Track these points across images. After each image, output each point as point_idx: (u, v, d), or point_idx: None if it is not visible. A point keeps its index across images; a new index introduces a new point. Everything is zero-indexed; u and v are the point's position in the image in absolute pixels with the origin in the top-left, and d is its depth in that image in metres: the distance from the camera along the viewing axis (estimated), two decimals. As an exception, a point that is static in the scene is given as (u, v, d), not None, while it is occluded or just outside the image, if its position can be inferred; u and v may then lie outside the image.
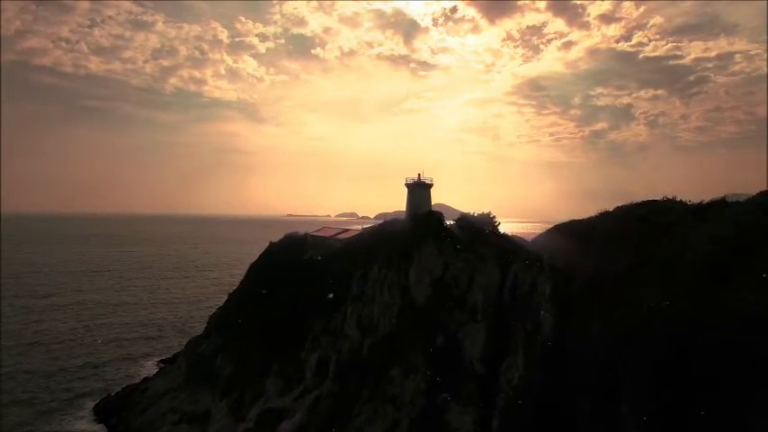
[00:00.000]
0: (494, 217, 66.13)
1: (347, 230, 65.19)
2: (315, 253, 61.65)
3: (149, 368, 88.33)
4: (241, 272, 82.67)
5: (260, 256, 71.83)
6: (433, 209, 54.32)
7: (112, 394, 72.74)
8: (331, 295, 52.07)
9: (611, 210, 43.25)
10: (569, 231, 43.04)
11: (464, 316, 44.98)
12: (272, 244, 72.18)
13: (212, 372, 62.52)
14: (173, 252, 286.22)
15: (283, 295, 60.11)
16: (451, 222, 64.85)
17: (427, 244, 47.62)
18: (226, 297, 79.02)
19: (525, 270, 44.14)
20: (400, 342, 44.67)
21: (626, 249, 33.63)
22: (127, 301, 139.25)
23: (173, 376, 70.01)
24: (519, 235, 60.91)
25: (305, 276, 58.85)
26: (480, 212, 67.60)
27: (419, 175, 53.94)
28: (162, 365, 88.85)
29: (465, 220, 63.95)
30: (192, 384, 64.86)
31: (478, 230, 59.08)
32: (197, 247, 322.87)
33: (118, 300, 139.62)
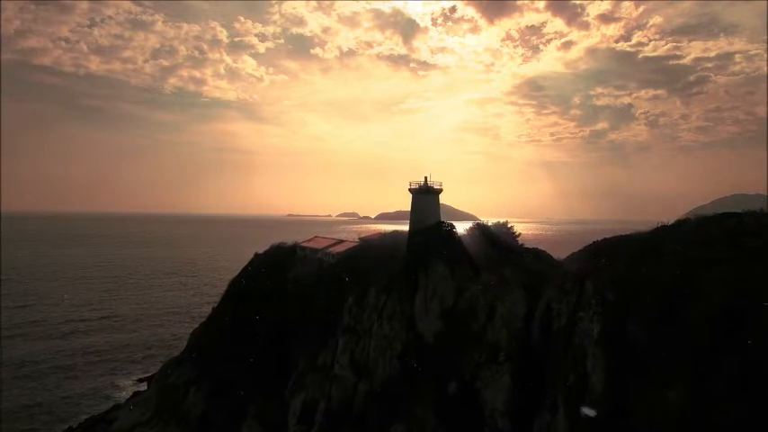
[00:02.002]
0: (512, 227, 57.05)
1: (341, 242, 56.25)
2: (303, 269, 52.68)
3: (128, 388, 79.91)
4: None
5: (242, 270, 62.84)
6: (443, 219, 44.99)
7: (74, 426, 64.21)
8: None
9: (669, 223, 34.12)
10: (615, 251, 33.86)
11: (483, 356, 35.91)
12: (256, 255, 63.19)
13: (183, 407, 53.62)
14: (169, 254, 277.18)
15: (265, 320, 51.13)
16: (462, 231, 55.83)
17: (436, 264, 38.53)
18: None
19: (561, 299, 35.05)
20: (404, 389, 35.65)
21: (714, 285, 24.55)
22: (113, 312, 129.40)
23: (141, 408, 61.15)
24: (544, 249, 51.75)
25: (290, 298, 49.85)
26: (496, 221, 58.56)
27: (426, 178, 44.88)
28: (139, 385, 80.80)
29: (479, 231, 54.85)
30: (161, 420, 55.99)
31: (496, 244, 50.03)
32: (195, 249, 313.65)
33: (104, 310, 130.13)
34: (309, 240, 61.85)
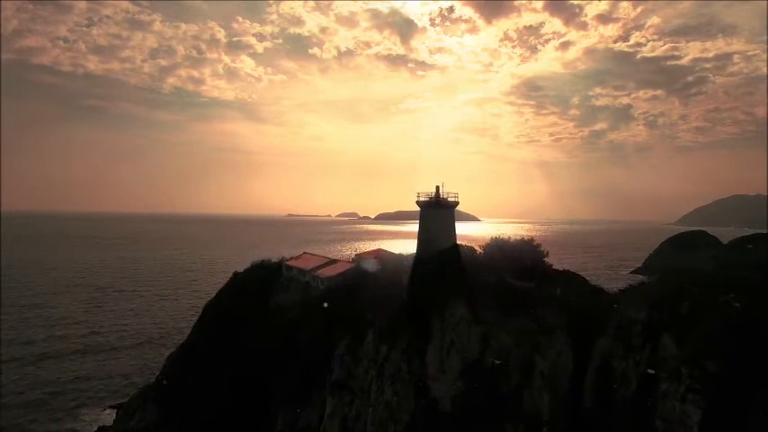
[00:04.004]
0: (539, 245, 47.67)
1: (333, 263, 46.96)
2: (286, 297, 43.46)
3: (99, 420, 70.20)
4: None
5: (218, 293, 53.56)
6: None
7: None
8: None
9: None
10: (707, 292, 24.70)
11: (519, 430, 26.75)
12: (235, 275, 53.89)
13: (143, 462, 44.45)
14: (165, 258, 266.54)
15: (242, 357, 41.84)
16: (477, 248, 46.55)
17: (455, 304, 29.21)
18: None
19: (625, 356, 25.86)
20: (412, 478, 26.44)
21: None
22: (99, 327, 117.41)
23: (99, 455, 52.06)
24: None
25: (271, 333, 40.54)
26: (519, 237, 49.12)
27: (438, 188, 35.45)
28: (109, 414, 71.40)
29: (498, 250, 45.50)
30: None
31: (522, 268, 40.70)
32: (193, 252, 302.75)
33: (89, 326, 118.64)
34: (297, 258, 52.49)
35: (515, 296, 30.86)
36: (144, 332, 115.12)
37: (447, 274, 30.70)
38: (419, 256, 33.93)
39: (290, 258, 54.53)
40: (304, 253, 55.44)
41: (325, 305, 35.56)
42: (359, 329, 32.23)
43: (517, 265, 41.33)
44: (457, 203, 35.40)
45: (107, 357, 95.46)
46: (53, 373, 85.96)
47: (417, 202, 35.46)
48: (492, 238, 47.30)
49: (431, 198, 34.87)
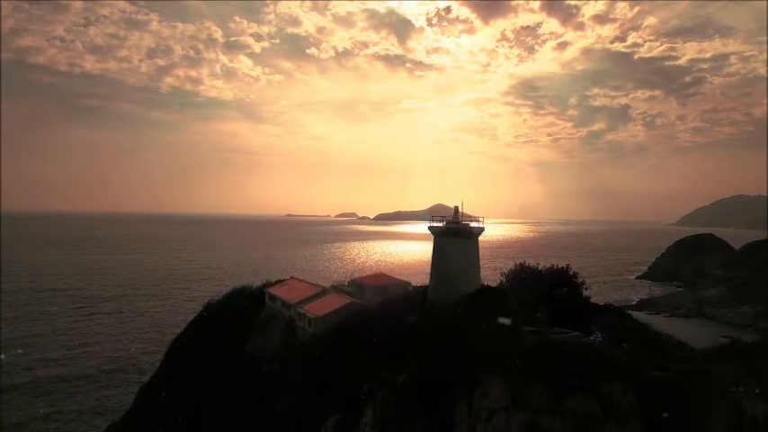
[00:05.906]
0: (575, 274, 39.26)
1: (324, 293, 38.51)
2: (265, 343, 35.17)
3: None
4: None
5: (186, 329, 45.22)
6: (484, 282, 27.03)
7: None
8: None
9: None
10: None
11: None
12: (208, 306, 45.62)
13: None
14: (161, 261, 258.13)
15: (209, 420, 33.49)
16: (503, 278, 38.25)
17: (488, 381, 20.93)
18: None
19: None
20: None
21: None
22: (78, 347, 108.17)
23: None
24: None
25: (242, 392, 32.20)
26: (550, 265, 40.57)
27: (456, 209, 27.14)
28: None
29: (524, 280, 37.21)
30: None
31: (558, 306, 32.39)
32: (190, 253, 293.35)
33: (67, 346, 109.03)
34: (283, 285, 44.06)
35: (567, 361, 22.51)
36: (128, 353, 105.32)
37: (474, 335, 22.47)
38: (432, 300, 25.73)
39: (275, 283, 46.27)
40: (291, 278, 47.01)
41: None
42: (354, 402, 23.95)
43: (549, 303, 33.09)
44: (482, 230, 27.17)
45: (82, 385, 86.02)
46: (19, 408, 76.66)
47: (430, 228, 27.28)
48: (516, 264, 39.07)
49: (448, 223, 26.64)
